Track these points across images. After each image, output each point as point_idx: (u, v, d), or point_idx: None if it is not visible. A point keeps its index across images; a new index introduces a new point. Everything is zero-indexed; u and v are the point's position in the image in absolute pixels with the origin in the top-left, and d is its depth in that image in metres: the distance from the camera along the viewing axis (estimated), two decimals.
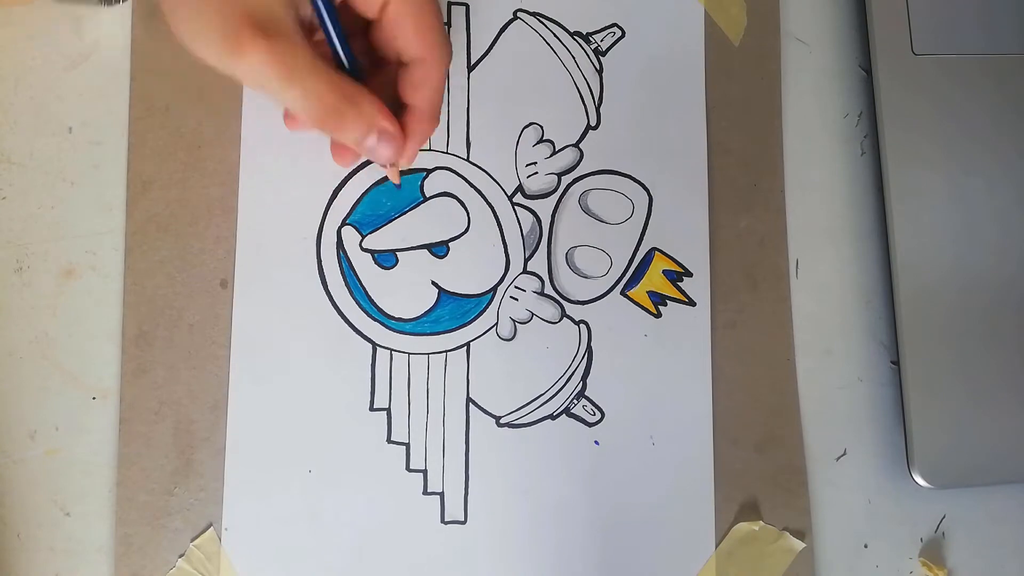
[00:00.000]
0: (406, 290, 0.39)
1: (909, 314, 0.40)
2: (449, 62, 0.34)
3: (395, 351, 0.38)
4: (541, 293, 0.39)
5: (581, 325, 0.39)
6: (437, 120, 0.34)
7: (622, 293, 0.40)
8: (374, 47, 0.34)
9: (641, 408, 0.39)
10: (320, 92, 0.30)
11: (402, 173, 0.39)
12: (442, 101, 0.34)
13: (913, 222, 0.41)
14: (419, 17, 0.32)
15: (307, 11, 0.31)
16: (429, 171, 0.39)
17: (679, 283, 0.40)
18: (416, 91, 0.33)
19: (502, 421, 0.38)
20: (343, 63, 0.32)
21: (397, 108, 0.34)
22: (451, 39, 0.40)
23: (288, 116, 0.36)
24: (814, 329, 0.41)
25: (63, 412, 0.37)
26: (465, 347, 0.39)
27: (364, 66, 0.33)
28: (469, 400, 0.38)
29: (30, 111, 0.38)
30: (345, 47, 0.32)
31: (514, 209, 0.40)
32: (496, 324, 0.39)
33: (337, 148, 0.36)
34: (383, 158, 0.33)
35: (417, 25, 0.32)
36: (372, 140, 0.32)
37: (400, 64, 0.33)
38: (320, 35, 0.32)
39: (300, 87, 0.30)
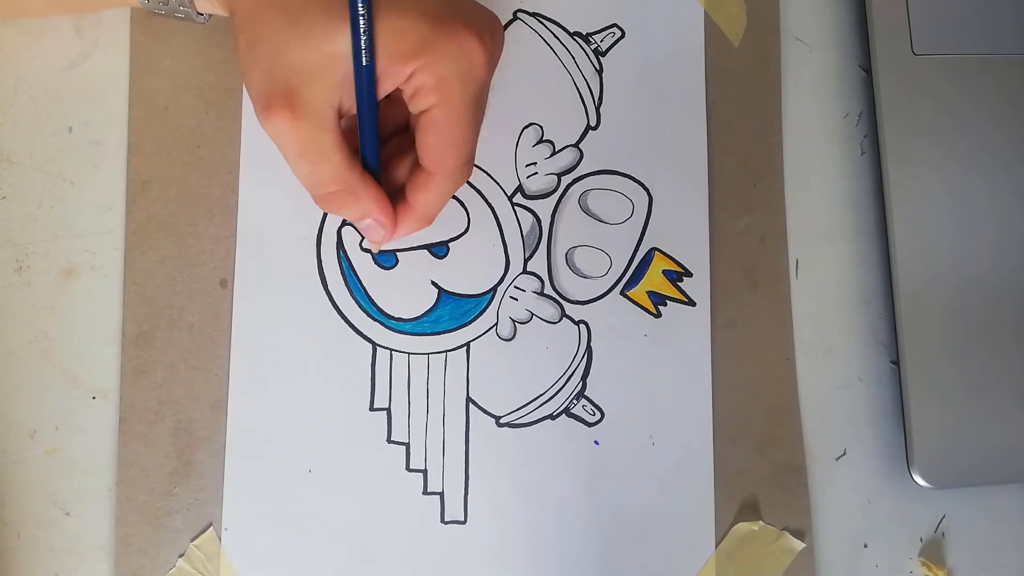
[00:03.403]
0: (406, 290, 0.39)
1: (909, 314, 0.40)
2: (461, 184, 0.34)
3: (395, 351, 0.38)
4: (541, 293, 0.39)
5: (581, 325, 0.39)
6: (428, 223, 0.34)
7: (622, 293, 0.40)
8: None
9: (641, 408, 0.39)
10: (323, 178, 0.31)
11: None
12: (439, 211, 0.34)
13: (913, 222, 0.41)
14: (449, 135, 0.31)
15: (349, 102, 0.31)
16: None
17: (679, 283, 0.40)
18: (417, 193, 0.33)
19: (502, 421, 0.38)
20: (366, 162, 0.33)
21: (399, 195, 0.34)
22: None
23: None
24: (814, 329, 0.41)
25: (63, 412, 0.37)
26: (465, 347, 0.39)
27: (379, 169, 0.33)
28: (469, 400, 0.38)
29: (30, 111, 0.38)
30: (374, 147, 0.32)
31: (514, 209, 0.40)
32: (496, 324, 0.39)
33: None
34: (370, 241, 0.35)
35: (443, 141, 0.32)
36: (366, 222, 0.33)
37: (416, 160, 0.33)
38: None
39: (308, 166, 0.31)
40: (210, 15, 0.37)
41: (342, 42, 0.29)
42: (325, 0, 0.29)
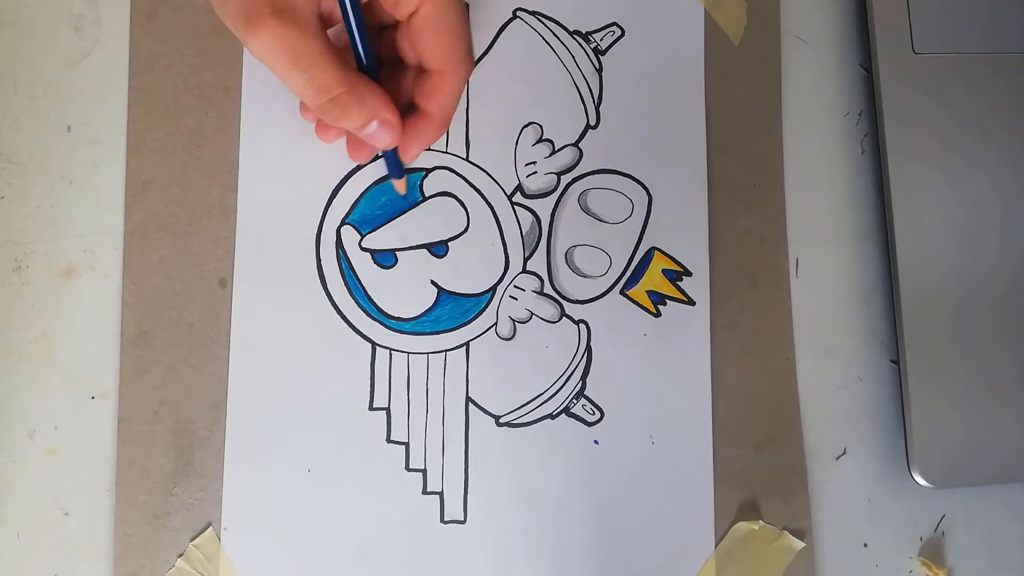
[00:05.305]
0: (405, 290, 0.39)
1: (909, 313, 0.40)
2: (468, 76, 0.34)
3: (395, 351, 0.38)
4: (540, 292, 0.39)
5: (580, 324, 0.39)
6: (445, 127, 0.35)
7: (622, 292, 0.40)
8: (396, 49, 0.34)
9: (641, 408, 0.39)
10: (323, 83, 0.31)
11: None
12: (455, 111, 0.35)
13: (913, 221, 0.41)
14: (445, 29, 0.32)
15: (329, 3, 0.31)
16: (428, 171, 0.39)
17: (679, 282, 0.40)
18: (430, 98, 0.34)
19: (501, 420, 0.38)
20: (360, 58, 0.33)
21: (409, 110, 0.35)
22: None
23: (303, 106, 0.37)
24: (814, 329, 0.41)
25: (63, 412, 0.37)
26: (464, 347, 0.39)
27: (378, 65, 0.34)
28: (468, 399, 0.38)
29: (30, 110, 0.38)
30: (364, 42, 0.32)
31: (513, 209, 0.40)
32: (495, 323, 0.39)
33: (352, 144, 0.37)
34: (381, 144, 0.34)
35: (442, 36, 0.32)
36: (372, 127, 0.33)
37: (419, 70, 0.34)
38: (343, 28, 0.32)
39: (304, 74, 0.31)
40: None
41: None
42: None
